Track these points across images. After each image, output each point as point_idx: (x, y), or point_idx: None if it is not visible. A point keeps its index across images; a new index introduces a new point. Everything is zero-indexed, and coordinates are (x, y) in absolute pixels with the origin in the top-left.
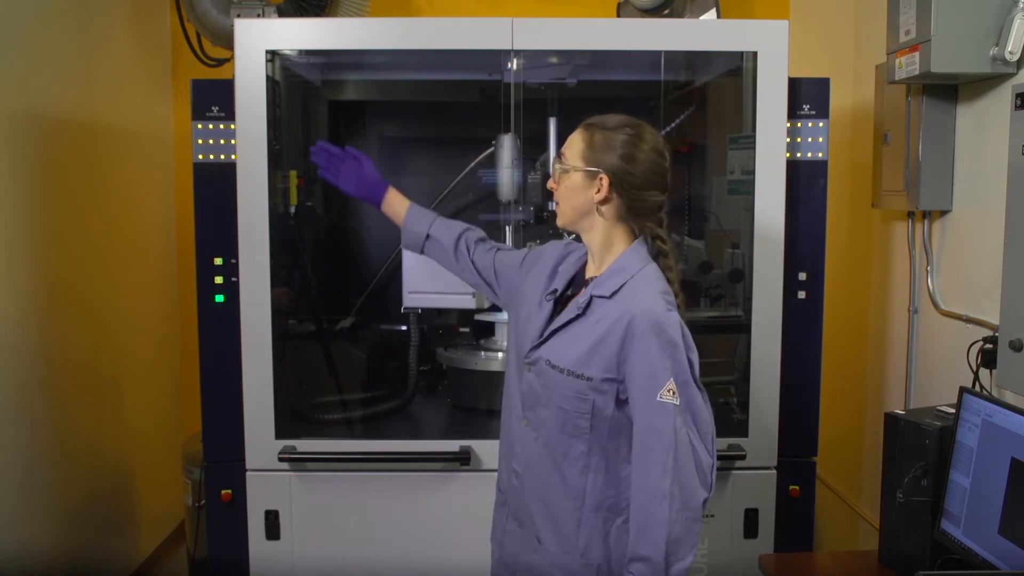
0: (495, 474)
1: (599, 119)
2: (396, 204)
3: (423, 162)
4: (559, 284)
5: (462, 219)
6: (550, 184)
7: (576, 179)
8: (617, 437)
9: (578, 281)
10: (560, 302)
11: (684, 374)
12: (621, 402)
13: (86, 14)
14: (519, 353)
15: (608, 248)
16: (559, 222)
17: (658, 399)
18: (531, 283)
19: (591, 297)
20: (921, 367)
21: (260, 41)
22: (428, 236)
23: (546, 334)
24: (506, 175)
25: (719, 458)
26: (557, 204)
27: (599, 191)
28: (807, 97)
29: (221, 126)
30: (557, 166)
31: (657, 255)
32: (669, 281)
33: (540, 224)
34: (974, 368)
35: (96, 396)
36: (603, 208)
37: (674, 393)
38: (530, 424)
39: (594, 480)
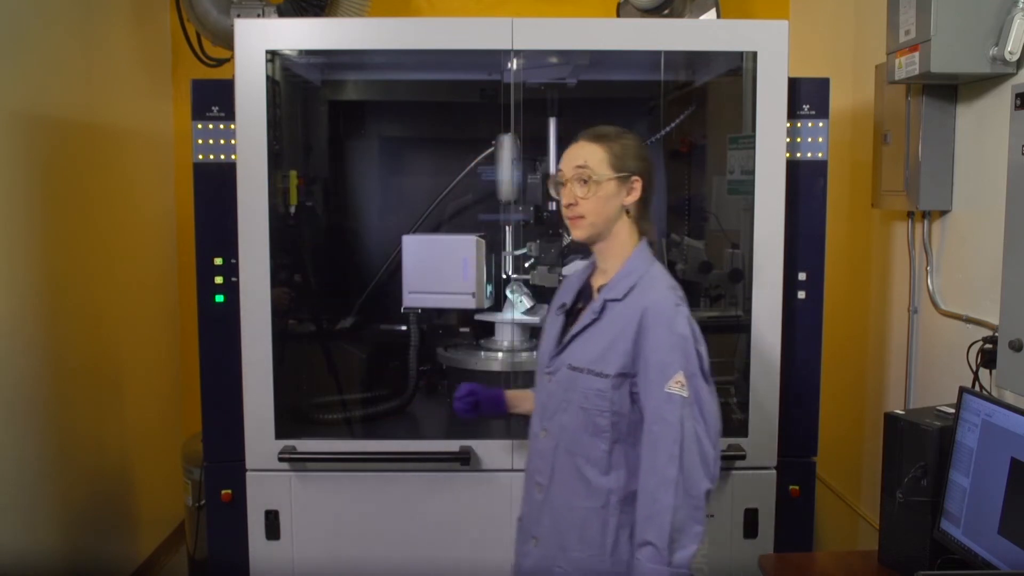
0: (495, 474)
1: (600, 130)
2: (520, 402)
3: (423, 162)
4: (567, 298)
5: (462, 219)
6: (573, 198)
7: (609, 188)
8: (635, 433)
9: (585, 293)
10: (570, 314)
11: (693, 367)
12: (635, 396)
13: (86, 14)
14: (540, 371)
15: (620, 253)
16: (583, 234)
17: (666, 390)
18: (549, 313)
19: (605, 302)
20: (921, 367)
21: (260, 41)
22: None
23: (565, 341)
24: (506, 175)
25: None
26: (580, 217)
27: (631, 193)
28: (807, 97)
29: (221, 126)
30: (582, 178)
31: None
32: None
33: (540, 224)
34: (974, 368)
35: (96, 396)
36: (630, 211)
37: (682, 385)
38: (548, 433)
39: (616, 477)
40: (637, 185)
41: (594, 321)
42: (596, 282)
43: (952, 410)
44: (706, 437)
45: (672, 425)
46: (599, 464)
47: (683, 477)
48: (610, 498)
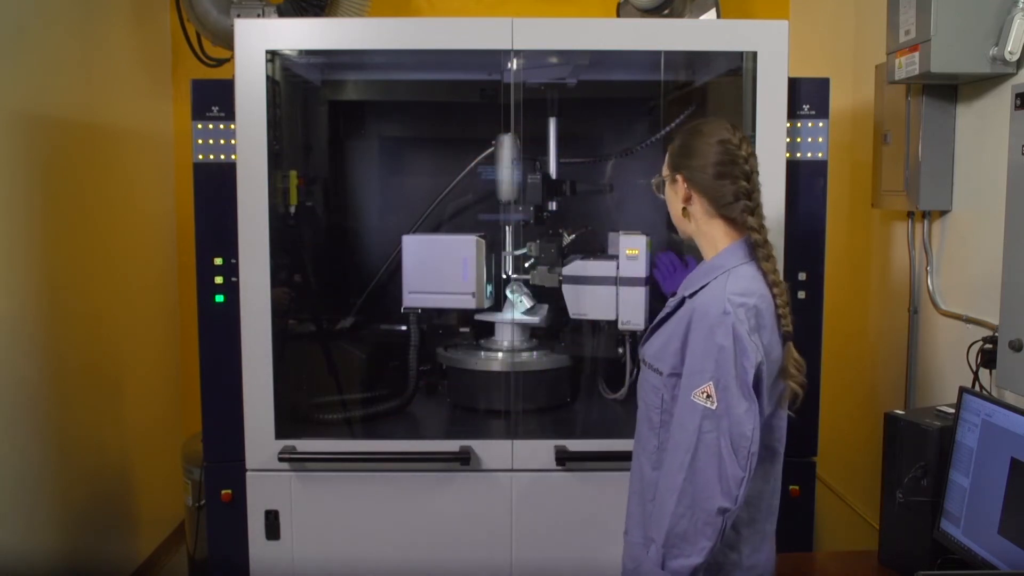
0: (495, 474)
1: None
2: None
3: (423, 162)
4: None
5: (462, 219)
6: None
7: (669, 189)
8: None
9: None
10: None
11: (727, 378)
12: None
13: (86, 14)
14: None
15: (713, 251)
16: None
17: (691, 397)
18: None
19: (682, 297)
20: (921, 367)
21: (260, 41)
22: None
23: (648, 332)
24: (506, 175)
25: None
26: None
27: (681, 192)
28: (807, 97)
29: (221, 126)
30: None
31: (753, 247)
32: (765, 272)
33: (540, 224)
34: (974, 368)
35: (96, 396)
36: (690, 209)
37: (708, 396)
38: (638, 419)
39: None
40: (680, 182)
41: (668, 315)
42: None
43: (952, 410)
44: (730, 455)
45: (688, 433)
46: (651, 458)
47: (694, 489)
48: (655, 494)
